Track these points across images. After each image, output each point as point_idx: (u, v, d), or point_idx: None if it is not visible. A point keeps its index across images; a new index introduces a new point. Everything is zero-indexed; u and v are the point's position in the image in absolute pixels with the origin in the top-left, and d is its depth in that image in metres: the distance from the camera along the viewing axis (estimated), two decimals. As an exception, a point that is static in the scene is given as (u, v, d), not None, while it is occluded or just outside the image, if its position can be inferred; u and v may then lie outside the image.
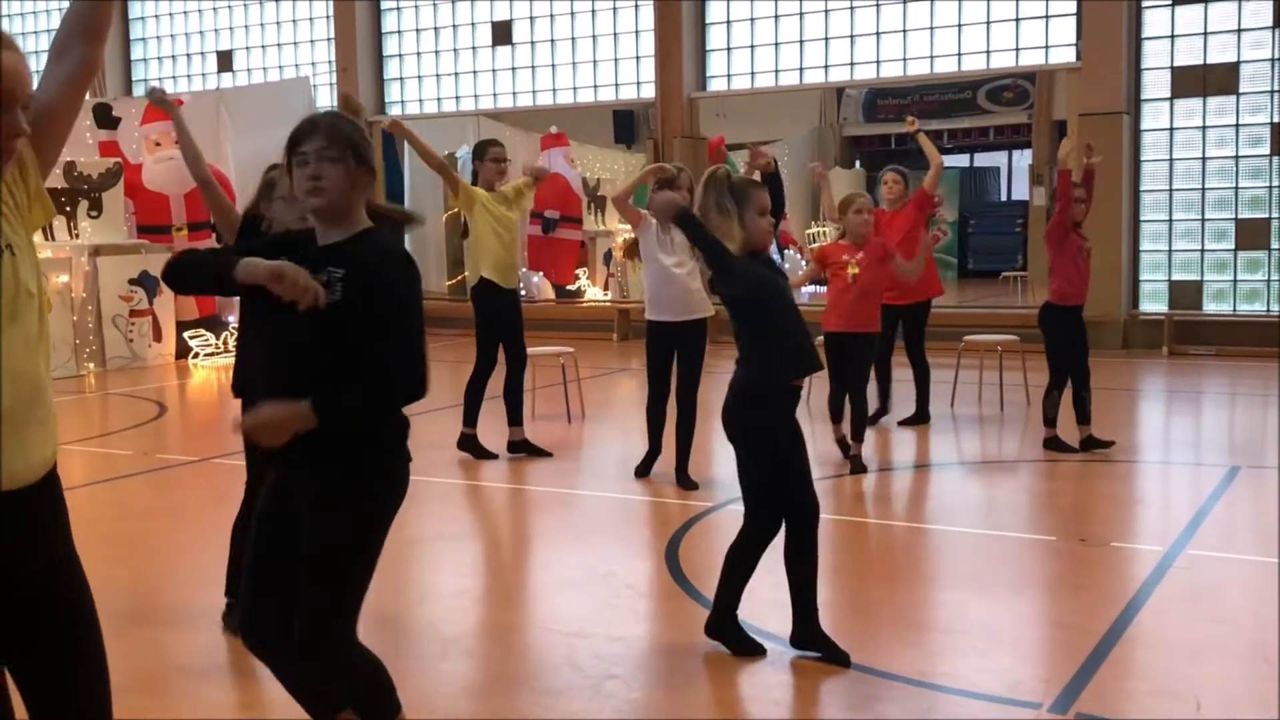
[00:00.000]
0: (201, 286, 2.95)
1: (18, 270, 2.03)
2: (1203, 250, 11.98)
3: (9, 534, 2.04)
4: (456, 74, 15.91)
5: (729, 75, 14.30)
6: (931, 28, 13.08)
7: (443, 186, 15.35)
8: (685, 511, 5.92)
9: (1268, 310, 11.68)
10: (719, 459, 6.84)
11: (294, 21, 16.95)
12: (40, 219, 2.15)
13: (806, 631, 3.95)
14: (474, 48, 15.74)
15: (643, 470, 6.59)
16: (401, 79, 16.30)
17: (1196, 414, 9.40)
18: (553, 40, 15.21)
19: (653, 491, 6.36)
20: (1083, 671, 3.76)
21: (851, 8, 13.46)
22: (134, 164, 12.75)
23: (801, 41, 13.79)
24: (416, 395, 2.66)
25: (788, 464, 3.93)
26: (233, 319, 12.06)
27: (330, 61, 16.43)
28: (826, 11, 13.61)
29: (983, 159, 24.56)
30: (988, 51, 12.92)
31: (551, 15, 15.18)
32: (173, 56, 18.05)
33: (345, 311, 2.61)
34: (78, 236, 11.80)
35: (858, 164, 22.80)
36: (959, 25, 12.95)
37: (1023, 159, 22.51)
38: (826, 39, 13.66)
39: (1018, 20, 12.69)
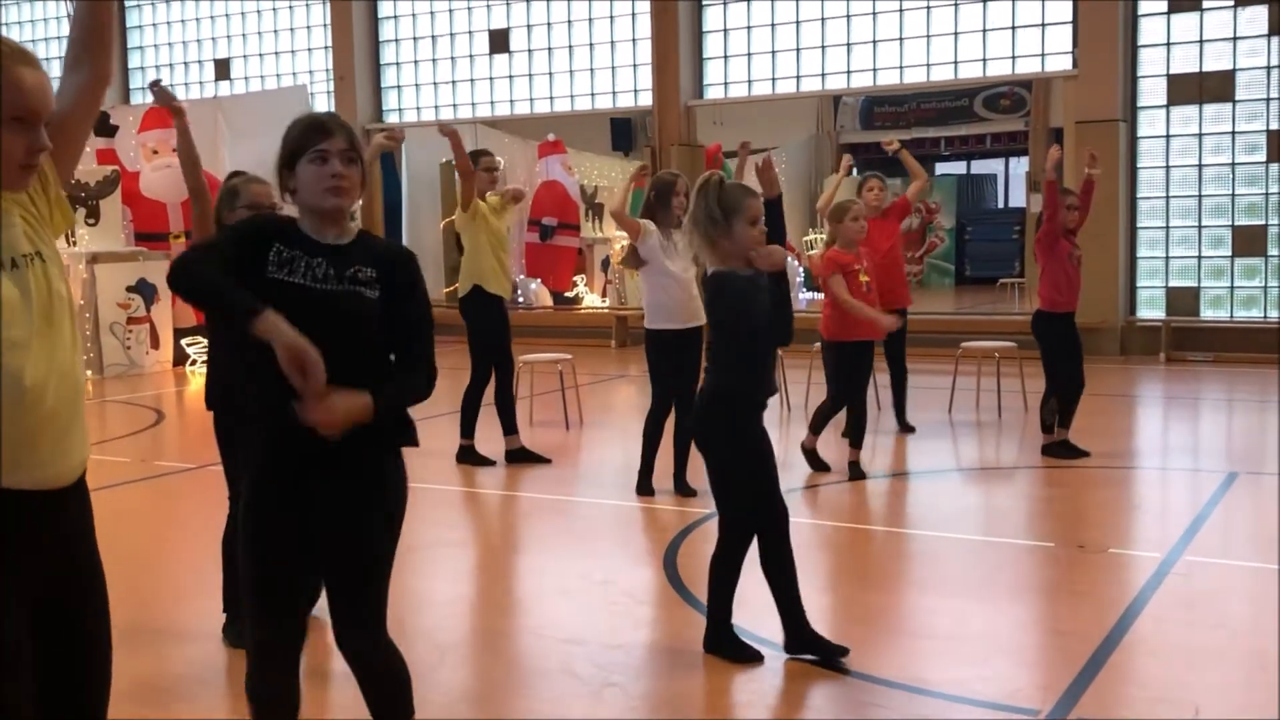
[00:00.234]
0: (205, 308, 2.83)
1: (49, 276, 2.09)
2: (1200, 257, 12.00)
3: (42, 532, 2.09)
4: (454, 82, 15.93)
5: (726, 83, 14.33)
6: (928, 35, 13.11)
7: (440, 195, 15.46)
8: (683, 518, 5.91)
9: (1265, 316, 11.70)
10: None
11: (291, 30, 16.97)
12: (61, 225, 2.22)
13: (799, 637, 3.96)
14: (471, 56, 15.76)
15: (646, 488, 6.41)
16: (399, 87, 16.32)
17: (1194, 420, 9.40)
18: (550, 48, 15.24)
19: (650, 498, 6.35)
20: (1081, 678, 3.76)
21: (848, 16, 13.49)
22: (131, 172, 12.76)
23: (798, 49, 13.82)
24: (430, 393, 2.74)
25: (759, 471, 3.96)
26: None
27: (328, 69, 16.46)
28: (823, 20, 13.64)
29: (980, 166, 24.60)
30: (984, 59, 12.94)
31: (549, 23, 15.20)
32: (170, 65, 18.07)
33: (380, 310, 2.62)
34: (75, 244, 11.80)
35: (854, 171, 22.82)
36: (955, 33, 12.98)
37: (1020, 166, 22.54)
38: (823, 47, 13.68)
39: (1014, 28, 12.72)
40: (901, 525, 6.04)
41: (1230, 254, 11.85)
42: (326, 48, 16.49)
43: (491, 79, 15.67)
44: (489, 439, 7.40)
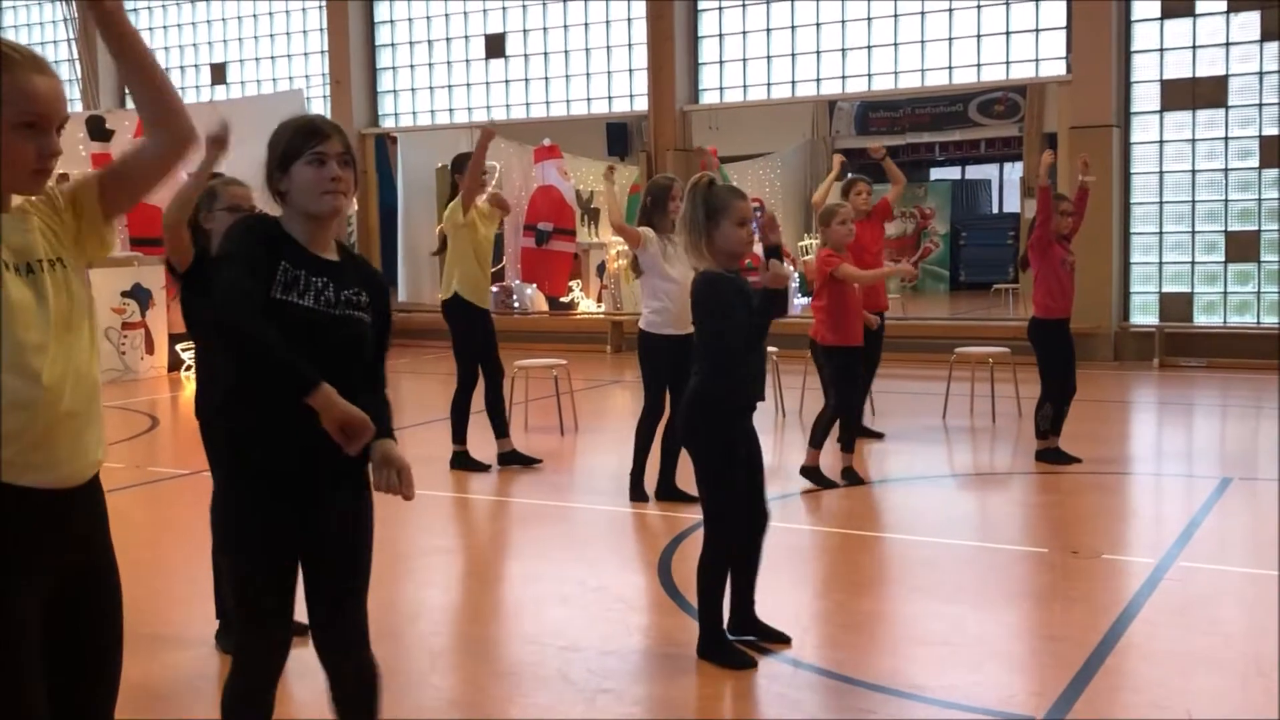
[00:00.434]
0: (253, 363, 2.63)
1: (69, 281, 2.13)
2: (1193, 263, 12.03)
3: (55, 531, 2.10)
4: (450, 86, 15.94)
5: (721, 88, 14.34)
6: (922, 41, 13.14)
7: (436, 199, 15.46)
8: (676, 524, 5.92)
9: (1258, 322, 11.73)
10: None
11: (287, 34, 16.98)
12: (94, 253, 2.23)
13: (745, 620, 4.15)
14: (467, 60, 15.77)
15: (640, 494, 6.38)
16: (395, 91, 16.33)
17: (1188, 426, 9.42)
18: (546, 53, 15.26)
19: (644, 504, 6.35)
20: (1075, 683, 3.77)
21: (843, 21, 13.52)
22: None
23: (793, 55, 13.85)
24: None
25: (746, 475, 4.00)
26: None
27: (324, 74, 16.47)
28: (818, 25, 13.66)
29: (974, 171, 24.63)
30: (978, 65, 12.98)
31: (544, 28, 15.22)
32: (166, 69, 17.98)
33: (372, 331, 2.69)
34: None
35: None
36: (950, 39, 13.01)
37: (1014, 171, 22.57)
38: (818, 52, 13.71)
39: (1008, 34, 12.75)
40: (895, 531, 6.04)
41: (1223, 259, 11.88)
42: (323, 52, 16.50)
43: (488, 84, 15.69)
44: (483, 443, 7.40)
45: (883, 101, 20.71)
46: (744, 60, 14.13)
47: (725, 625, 4.07)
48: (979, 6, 12.84)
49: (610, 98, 14.99)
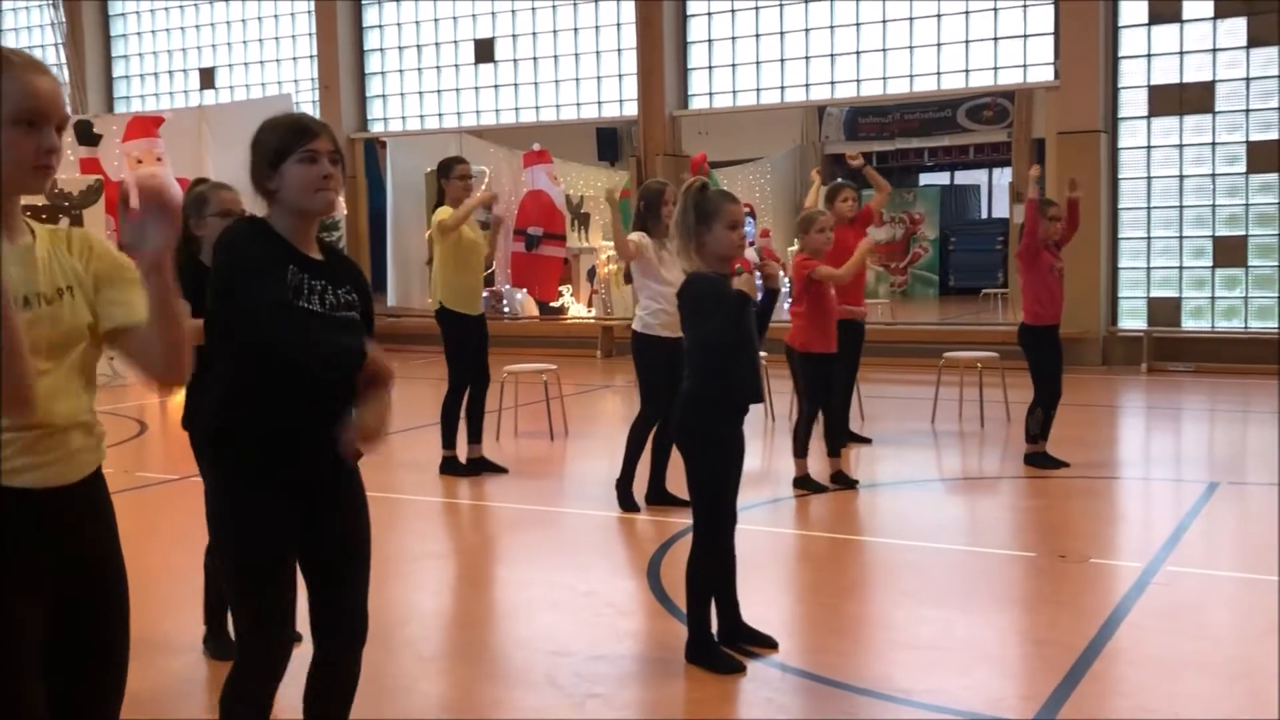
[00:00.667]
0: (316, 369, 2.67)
1: (74, 311, 2.12)
2: (1181, 267, 12.07)
3: (50, 531, 2.10)
4: (439, 91, 15.94)
5: (711, 93, 14.37)
6: (911, 47, 13.18)
7: (426, 204, 15.45)
8: (666, 529, 5.92)
9: (1245, 327, 11.78)
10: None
11: (276, 39, 16.96)
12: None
13: (733, 627, 4.15)
14: (456, 65, 15.77)
15: (630, 504, 6.32)
16: (384, 96, 16.32)
17: (1176, 430, 9.45)
18: (535, 58, 15.26)
19: (634, 513, 6.33)
20: (1062, 687, 3.78)
21: (832, 27, 13.55)
22: (115, 181, 12.71)
23: (782, 60, 13.87)
24: None
25: (732, 478, 4.02)
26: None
27: (313, 79, 16.45)
28: (807, 30, 13.69)
29: (963, 177, 24.70)
30: (966, 70, 13.02)
31: (534, 33, 15.23)
32: (155, 73, 18.04)
33: (362, 325, 2.73)
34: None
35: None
36: (938, 44, 13.05)
37: (1003, 177, 22.65)
38: (807, 58, 13.74)
39: (996, 39, 12.79)
40: (884, 535, 6.05)
41: (1211, 265, 11.92)
42: (312, 57, 16.48)
43: (477, 88, 15.69)
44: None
45: (872, 107, 20.76)
46: (733, 65, 14.16)
47: (718, 637, 4.06)
48: (967, 12, 12.88)
49: (600, 103, 15.00)
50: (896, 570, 5.38)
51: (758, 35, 13.96)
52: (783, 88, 13.98)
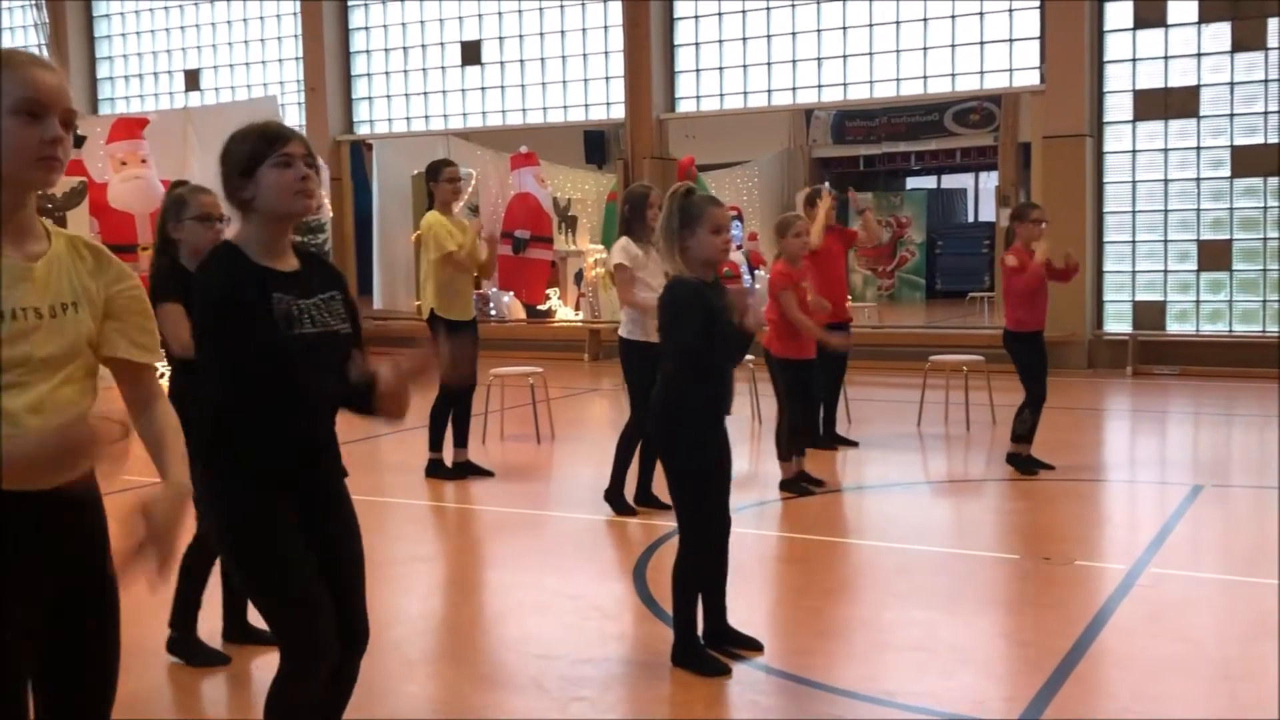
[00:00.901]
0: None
1: (75, 326, 2.11)
2: (1166, 271, 12.12)
3: (41, 534, 2.09)
4: (426, 93, 15.92)
5: (698, 97, 14.38)
6: (898, 51, 13.21)
7: (412, 207, 15.43)
8: (652, 531, 5.91)
9: (1230, 331, 11.83)
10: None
11: (262, 41, 16.91)
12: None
13: (719, 630, 4.14)
14: (443, 67, 15.75)
15: (624, 507, 6.31)
16: (370, 98, 16.29)
17: (1160, 433, 9.49)
18: (522, 60, 15.25)
19: (627, 516, 6.31)
20: (1047, 689, 3.79)
21: (819, 31, 13.58)
22: (99, 183, 12.66)
23: (769, 64, 13.89)
24: None
25: (717, 483, 3.99)
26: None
27: (299, 81, 16.41)
28: (794, 34, 13.72)
29: (950, 180, 24.77)
30: (953, 74, 13.05)
31: (521, 35, 15.22)
32: (140, 75, 17.97)
33: (352, 330, 2.74)
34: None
35: (826, 185, 22.92)
36: (924, 48, 13.08)
37: (989, 180, 22.70)
38: (794, 61, 13.76)
39: (982, 43, 12.83)
40: (869, 537, 6.06)
41: (1196, 269, 11.97)
42: (297, 59, 16.44)
43: (464, 91, 15.67)
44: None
45: (859, 110, 20.80)
46: (720, 69, 14.17)
47: (700, 635, 4.07)
48: (953, 16, 12.92)
49: (587, 105, 15.00)
50: (882, 572, 5.39)
51: (745, 38, 13.98)
52: (770, 91, 14.00)
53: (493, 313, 15.11)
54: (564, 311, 15.82)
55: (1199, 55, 11.78)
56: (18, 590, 2.07)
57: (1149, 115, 12.01)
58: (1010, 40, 12.69)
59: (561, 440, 8.72)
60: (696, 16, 14.20)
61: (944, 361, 9.27)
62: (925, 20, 13.03)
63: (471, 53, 15.53)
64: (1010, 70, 12.78)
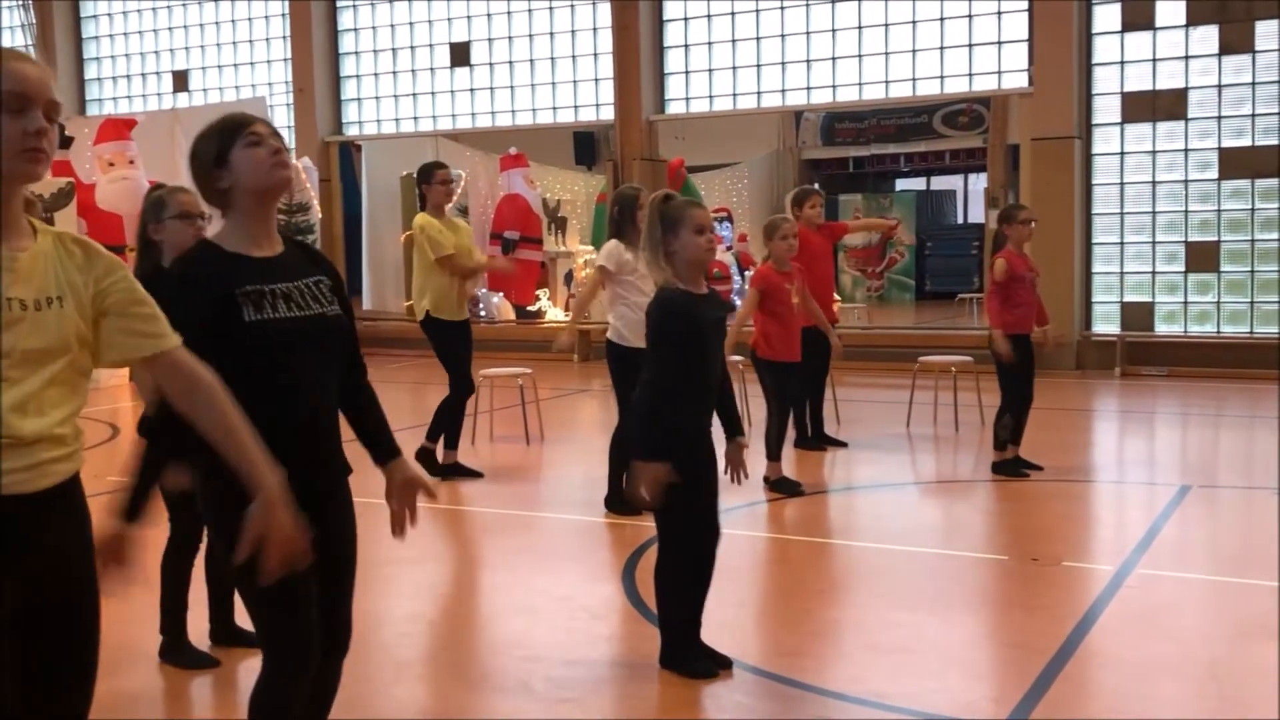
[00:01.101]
0: None
1: (58, 322, 2.08)
2: (1154, 273, 12.16)
3: (17, 538, 2.06)
4: (415, 95, 15.89)
5: (687, 98, 14.38)
6: (886, 53, 13.22)
7: (401, 208, 15.40)
8: (641, 533, 5.90)
9: (1218, 332, 11.87)
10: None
11: (250, 42, 16.88)
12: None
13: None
14: (432, 69, 15.73)
15: (628, 508, 6.16)
16: (359, 100, 16.26)
17: (1148, 434, 9.51)
18: (511, 61, 15.24)
19: (623, 516, 6.30)
20: (1034, 690, 3.79)
21: (808, 33, 13.59)
22: (87, 184, 12.63)
23: (759, 65, 13.90)
24: None
25: (701, 489, 3.96)
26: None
27: (287, 82, 16.37)
28: (783, 36, 13.73)
29: (939, 182, 24.83)
30: (942, 76, 13.07)
31: (510, 37, 15.21)
32: (128, 76, 17.92)
33: (346, 316, 2.72)
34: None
35: (816, 187, 22.94)
36: (914, 50, 13.10)
37: (979, 182, 22.77)
38: (783, 63, 13.77)
39: (971, 46, 12.85)
40: (858, 538, 6.06)
41: (1183, 270, 12.01)
42: (286, 60, 16.41)
43: (453, 92, 15.65)
44: (461, 451, 7.36)
45: (848, 112, 20.85)
46: (710, 70, 14.18)
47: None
48: (942, 19, 12.94)
49: (576, 107, 14.99)
50: (870, 574, 5.39)
51: (734, 40, 13.98)
52: (759, 93, 14.01)
53: (482, 314, 15.09)
54: (554, 312, 15.81)
55: (1187, 58, 11.82)
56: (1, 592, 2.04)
57: (1137, 117, 12.05)
58: (999, 42, 12.72)
59: (551, 441, 8.71)
60: (686, 18, 14.20)
61: (933, 362, 9.28)
62: (914, 22, 13.05)
63: (461, 54, 15.51)
64: (999, 72, 12.81)
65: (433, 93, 15.77)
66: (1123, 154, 12.17)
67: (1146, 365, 11.91)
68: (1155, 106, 11.97)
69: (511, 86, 15.27)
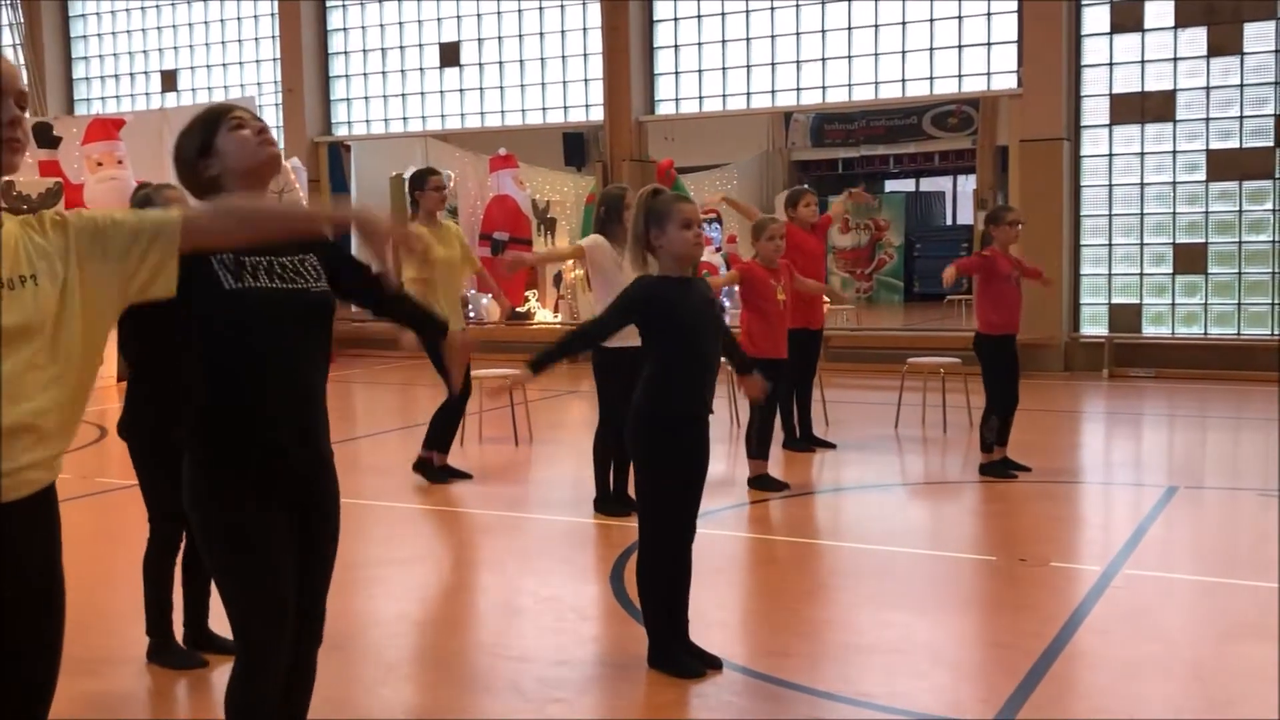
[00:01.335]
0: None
1: (38, 301, 2.02)
2: (1142, 274, 12.20)
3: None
4: (404, 95, 15.88)
5: (677, 99, 14.39)
6: (876, 54, 13.25)
7: (390, 208, 15.37)
8: (629, 534, 5.88)
9: (1205, 333, 11.91)
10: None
11: (239, 41, 16.85)
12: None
13: (681, 645, 4.04)
14: (422, 69, 15.72)
15: (617, 509, 6.27)
16: (349, 100, 16.24)
17: (1136, 435, 9.54)
18: (501, 62, 15.24)
19: (611, 517, 6.30)
20: (1021, 690, 3.80)
21: (798, 34, 13.61)
22: (75, 184, 12.58)
23: (749, 66, 13.92)
24: None
25: (691, 489, 3.97)
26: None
27: (276, 82, 16.35)
28: (773, 37, 13.75)
29: (928, 183, 24.86)
30: (931, 78, 13.10)
31: (499, 37, 15.21)
32: (116, 75, 17.87)
33: (331, 290, 2.71)
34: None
35: (808, 187, 22.95)
36: (903, 52, 13.13)
37: (968, 184, 22.81)
38: (773, 64, 13.79)
39: (960, 47, 12.88)
40: (846, 539, 6.07)
41: (1171, 271, 12.05)
42: (275, 60, 16.38)
43: (442, 92, 15.64)
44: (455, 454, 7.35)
45: (838, 113, 20.87)
46: (699, 71, 14.19)
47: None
48: (931, 20, 12.97)
49: (566, 107, 14.99)
50: (858, 574, 5.39)
51: (724, 41, 14.00)
52: (749, 94, 14.03)
53: (471, 315, 15.07)
54: (543, 314, 15.80)
55: (1175, 60, 11.86)
56: None
57: (1125, 119, 12.09)
58: (988, 44, 12.75)
59: (540, 443, 8.70)
60: (675, 19, 14.22)
61: (921, 364, 9.30)
62: (904, 24, 13.08)
63: (450, 54, 15.50)
64: (988, 74, 12.84)
65: (422, 93, 15.75)
66: (1111, 155, 12.21)
67: (1134, 367, 11.95)
68: (1144, 108, 12.01)
69: (501, 87, 15.27)
